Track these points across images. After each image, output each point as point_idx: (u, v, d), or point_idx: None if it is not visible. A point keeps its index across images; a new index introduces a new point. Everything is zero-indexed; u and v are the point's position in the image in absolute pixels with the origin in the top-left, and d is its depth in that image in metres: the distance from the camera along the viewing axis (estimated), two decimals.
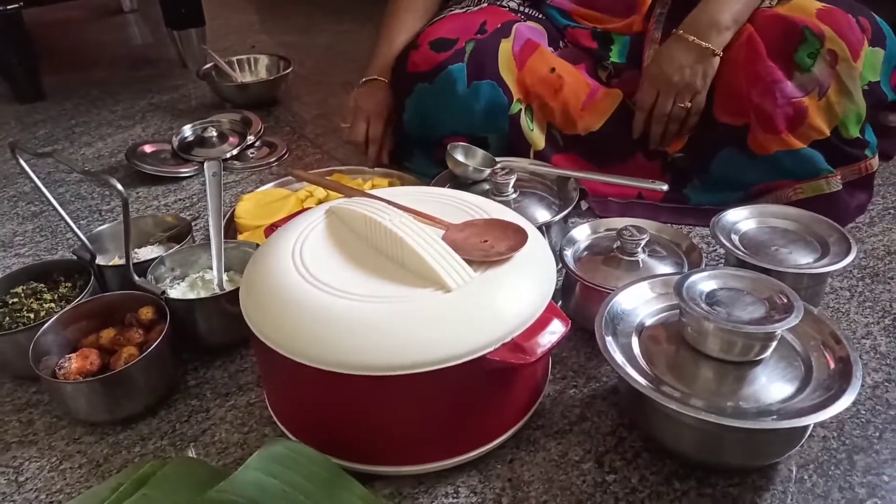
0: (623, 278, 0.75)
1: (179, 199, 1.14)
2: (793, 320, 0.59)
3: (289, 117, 1.44)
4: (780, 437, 0.59)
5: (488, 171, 0.91)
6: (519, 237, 0.63)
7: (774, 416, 0.56)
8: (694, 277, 0.64)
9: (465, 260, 0.60)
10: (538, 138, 1.02)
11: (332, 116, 1.42)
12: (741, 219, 0.83)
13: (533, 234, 0.66)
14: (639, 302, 0.69)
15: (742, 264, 0.76)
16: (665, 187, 0.88)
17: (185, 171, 1.20)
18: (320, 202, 1.03)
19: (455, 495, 0.62)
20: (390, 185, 1.08)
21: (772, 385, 0.60)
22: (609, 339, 0.63)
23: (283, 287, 0.61)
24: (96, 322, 0.76)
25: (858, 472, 0.62)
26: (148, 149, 1.25)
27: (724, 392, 0.60)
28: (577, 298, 0.78)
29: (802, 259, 0.77)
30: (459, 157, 0.92)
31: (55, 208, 0.81)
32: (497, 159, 0.94)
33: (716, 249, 0.93)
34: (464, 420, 0.62)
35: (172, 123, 1.43)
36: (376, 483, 0.63)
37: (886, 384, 0.71)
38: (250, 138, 1.28)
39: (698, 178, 1.01)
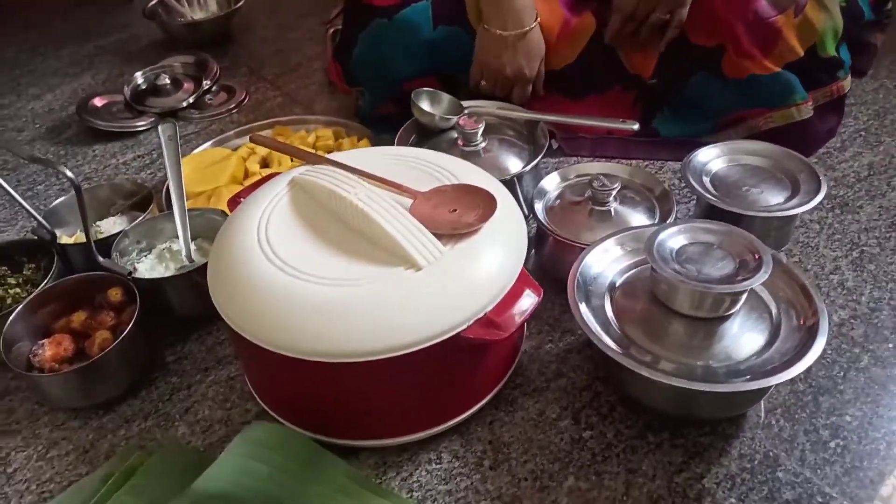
0: (595, 228, 0.75)
1: (138, 157, 1.10)
2: (761, 277, 0.59)
3: (245, 56, 1.38)
4: (749, 392, 0.61)
5: (455, 118, 0.88)
6: (488, 205, 0.62)
7: (745, 375, 0.58)
8: (664, 235, 0.64)
9: (434, 234, 0.60)
10: None
11: (290, 53, 1.35)
12: (712, 158, 0.82)
13: (502, 198, 0.65)
14: (609, 260, 0.69)
15: (712, 208, 0.76)
16: (636, 126, 0.87)
17: (141, 124, 1.15)
18: (263, 160, 1.01)
19: (438, 461, 0.64)
20: (335, 135, 1.05)
21: (742, 339, 0.62)
22: (582, 305, 0.63)
23: (249, 272, 0.59)
24: (65, 304, 0.75)
25: (823, 414, 0.65)
26: (99, 101, 1.19)
27: (695, 348, 0.61)
28: (550, 251, 0.78)
29: (773, 198, 0.77)
30: (425, 105, 0.89)
31: (7, 191, 0.78)
32: (464, 104, 0.91)
33: (688, 190, 0.92)
34: (443, 392, 0.63)
35: (123, 68, 1.36)
36: (360, 454, 0.65)
37: (852, 321, 0.73)
38: (206, 83, 1.22)
39: (670, 106, 0.99)
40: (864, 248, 0.81)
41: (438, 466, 0.64)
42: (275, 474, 0.58)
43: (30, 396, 0.74)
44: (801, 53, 0.90)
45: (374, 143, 1.02)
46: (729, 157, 0.82)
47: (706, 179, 0.80)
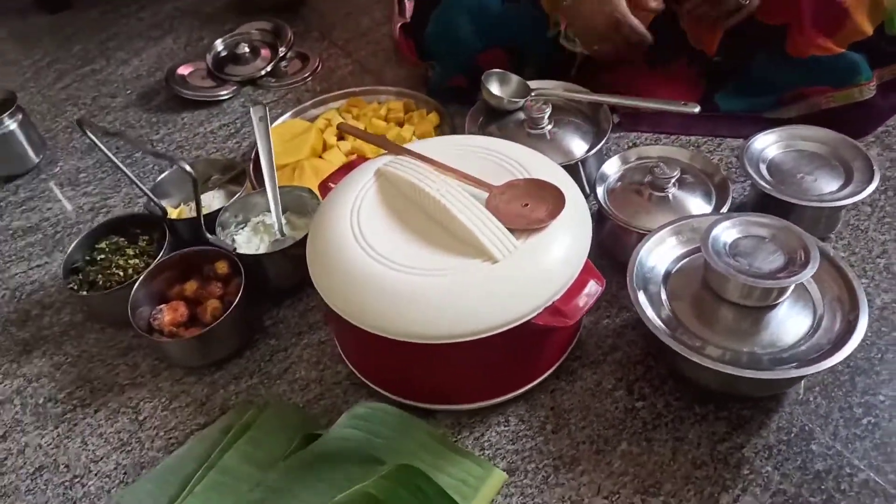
0: (654, 213, 0.81)
1: (223, 125, 1.19)
2: (807, 274, 0.65)
3: (316, 20, 1.43)
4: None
5: (523, 101, 0.93)
6: (557, 200, 0.69)
7: (787, 363, 0.64)
8: (718, 229, 0.70)
9: (508, 229, 0.67)
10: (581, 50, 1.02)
11: (360, 16, 1.40)
12: (769, 144, 0.86)
13: (570, 192, 0.71)
14: (666, 248, 0.75)
15: (766, 195, 0.81)
16: (697, 109, 0.90)
17: (224, 93, 1.23)
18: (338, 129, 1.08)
19: (506, 423, 0.73)
20: (405, 107, 1.11)
21: (787, 326, 0.68)
22: (640, 294, 0.70)
23: (345, 260, 0.68)
24: (178, 273, 0.86)
25: (858, 393, 0.71)
26: (184, 70, 1.27)
27: (742, 333, 0.68)
28: (610, 232, 0.84)
29: (827, 186, 0.81)
30: (494, 88, 0.94)
31: (126, 175, 0.87)
32: (531, 85, 0.96)
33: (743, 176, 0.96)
34: (512, 367, 0.71)
35: (202, 32, 1.44)
36: (438, 415, 0.74)
37: (894, 305, 0.78)
38: (282, 51, 1.29)
39: (732, 82, 1.02)
40: None
41: (506, 428, 0.73)
42: (371, 438, 0.68)
43: (150, 354, 0.86)
44: (870, 32, 0.91)
45: (443, 116, 1.08)
46: (786, 142, 0.86)
47: (762, 166, 0.84)
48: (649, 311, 0.69)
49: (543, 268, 0.66)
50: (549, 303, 0.65)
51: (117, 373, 0.85)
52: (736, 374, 0.63)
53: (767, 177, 0.83)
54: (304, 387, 0.80)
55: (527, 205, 0.69)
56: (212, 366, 0.83)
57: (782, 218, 0.81)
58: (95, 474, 0.75)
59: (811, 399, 0.71)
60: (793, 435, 0.69)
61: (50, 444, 0.79)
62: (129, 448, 0.77)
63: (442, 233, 0.69)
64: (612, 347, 0.78)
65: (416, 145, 0.80)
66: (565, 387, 0.76)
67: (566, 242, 0.67)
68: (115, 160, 0.86)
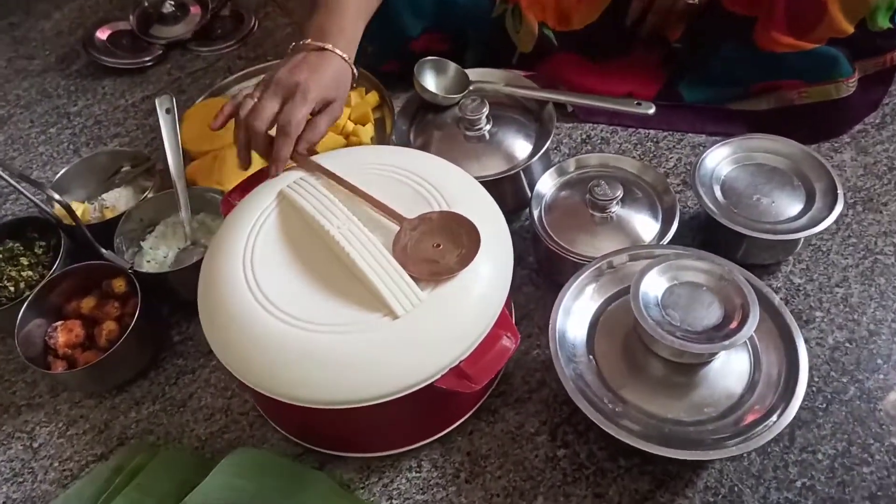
0: (595, 235, 0.74)
1: (147, 97, 1.08)
2: (743, 336, 0.58)
3: None
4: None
5: (459, 97, 0.84)
6: (472, 242, 0.61)
7: (711, 436, 0.59)
8: (649, 277, 0.62)
9: (413, 278, 0.59)
10: (525, 40, 0.92)
11: None
12: (723, 158, 0.77)
13: (491, 230, 0.63)
14: (589, 296, 0.68)
15: (715, 222, 0.73)
16: (652, 111, 0.81)
17: (148, 59, 1.12)
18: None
19: (418, 469, 0.68)
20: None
21: (721, 383, 0.62)
22: (562, 362, 0.63)
23: (234, 308, 0.60)
24: (76, 286, 0.79)
25: (796, 450, 0.66)
26: (105, 33, 1.15)
27: (673, 391, 0.62)
28: (545, 256, 0.77)
29: (785, 209, 0.73)
30: (428, 80, 0.84)
31: (12, 185, 0.79)
32: (470, 77, 0.86)
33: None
34: (423, 418, 0.66)
35: None
36: (349, 459, 0.69)
37: (847, 345, 0.72)
38: (213, 8, 1.16)
39: (696, 72, 0.92)
40: (878, 257, 0.77)
41: (418, 475, 0.68)
42: (262, 490, 0.63)
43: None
44: (851, 31, 0.81)
45: (383, 97, 0.98)
46: (743, 154, 0.77)
47: (716, 187, 0.76)
48: (567, 369, 0.62)
49: (449, 326, 0.59)
50: (455, 363, 0.58)
51: (14, 391, 0.79)
52: (651, 451, 0.57)
53: (721, 199, 0.75)
54: (208, 416, 0.74)
55: (439, 245, 0.61)
56: (113, 389, 0.77)
57: (735, 244, 0.75)
58: None
59: (745, 455, 0.66)
60: (720, 497, 0.64)
61: None
62: (21, 480, 0.73)
63: (343, 275, 0.61)
64: (540, 383, 0.73)
65: (329, 159, 0.71)
66: (485, 428, 0.70)
67: (478, 294, 0.60)
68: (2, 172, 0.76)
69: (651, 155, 0.90)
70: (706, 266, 0.63)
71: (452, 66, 0.85)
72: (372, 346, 0.57)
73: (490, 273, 0.61)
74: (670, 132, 0.92)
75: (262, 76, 1.02)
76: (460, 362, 0.58)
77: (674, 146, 0.90)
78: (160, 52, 1.12)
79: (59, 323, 0.76)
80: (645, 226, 0.74)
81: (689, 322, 0.61)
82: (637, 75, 0.94)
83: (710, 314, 0.61)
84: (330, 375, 0.57)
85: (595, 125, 0.94)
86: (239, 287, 0.61)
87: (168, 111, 0.83)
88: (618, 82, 0.94)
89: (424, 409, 0.64)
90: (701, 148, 0.89)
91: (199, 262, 0.75)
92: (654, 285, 0.62)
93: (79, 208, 0.86)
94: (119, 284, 0.76)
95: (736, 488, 0.64)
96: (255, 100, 0.70)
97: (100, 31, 1.14)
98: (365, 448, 0.68)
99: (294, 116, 0.68)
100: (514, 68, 0.94)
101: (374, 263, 0.60)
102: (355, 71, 0.75)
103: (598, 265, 0.68)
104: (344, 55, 0.73)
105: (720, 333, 0.59)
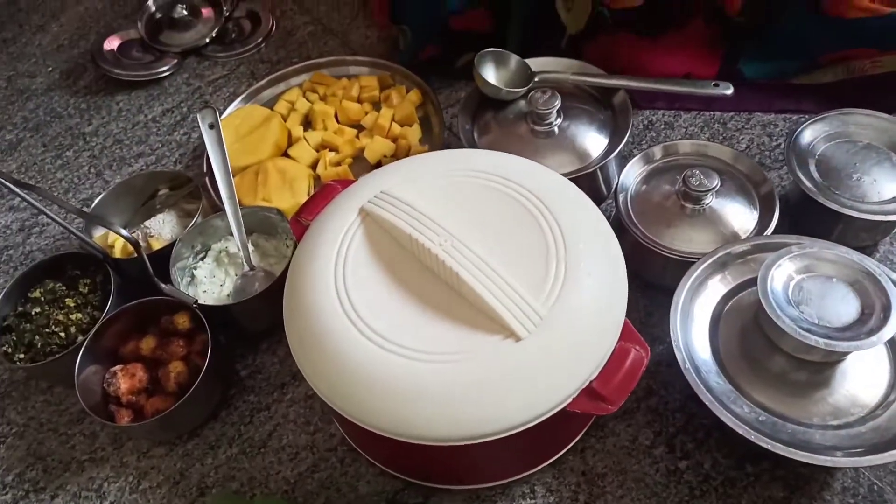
0: (686, 228, 0.69)
1: (167, 111, 1.01)
2: (887, 334, 0.54)
3: None
4: None
5: (524, 90, 0.78)
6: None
7: (841, 442, 0.55)
8: (776, 271, 0.58)
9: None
10: (577, 19, 0.86)
11: None
12: (819, 135, 0.73)
13: (597, 235, 0.59)
14: (708, 293, 0.64)
15: (812, 200, 0.69)
16: (730, 91, 0.76)
17: (163, 69, 1.04)
18: (304, 118, 0.93)
19: (532, 496, 0.64)
20: (380, 83, 0.95)
21: (851, 388, 0.58)
22: (689, 368, 0.59)
23: (331, 338, 0.55)
24: (131, 326, 0.72)
25: None
26: (112, 42, 1.07)
27: (797, 392, 0.58)
28: (634, 249, 0.72)
29: (886, 188, 0.69)
30: (489, 74, 0.78)
31: (52, 218, 0.72)
32: (533, 67, 0.80)
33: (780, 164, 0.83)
34: (542, 445, 0.61)
35: None
36: (455, 491, 0.65)
37: None
38: (226, 9, 1.09)
39: (758, 44, 0.87)
40: None
41: (532, 502, 0.64)
42: None
43: None
44: None
45: (426, 94, 0.92)
46: (838, 131, 0.73)
47: (811, 163, 0.71)
48: (695, 378, 0.58)
49: (576, 341, 0.54)
50: (586, 383, 0.54)
51: (73, 445, 0.73)
52: (787, 455, 0.53)
53: (816, 177, 0.71)
54: (292, 456, 0.69)
55: None
56: (184, 434, 0.71)
57: (830, 225, 0.71)
58: None
59: None
60: (860, 497, 0.61)
61: None
62: None
63: (449, 295, 0.56)
64: (646, 391, 0.68)
65: (398, 167, 0.65)
66: (596, 445, 0.66)
67: (598, 304, 0.55)
68: (33, 201, 0.69)
69: (721, 138, 0.85)
70: (838, 258, 0.59)
71: (514, 58, 0.80)
72: (496, 373, 0.52)
73: (605, 280, 0.57)
74: (736, 112, 0.87)
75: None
76: (591, 382, 0.54)
77: (742, 126, 0.86)
78: (175, 60, 1.05)
79: (119, 367, 0.70)
80: (740, 217, 0.69)
81: (826, 317, 0.57)
82: (693, 54, 0.89)
83: (846, 309, 0.57)
84: (450, 410, 0.52)
85: (655, 110, 0.89)
86: (337, 318, 0.56)
87: (212, 126, 0.77)
88: (674, 62, 0.89)
89: (543, 436, 0.59)
90: (772, 127, 0.85)
91: (265, 291, 0.70)
92: (782, 279, 0.58)
93: (118, 240, 0.80)
94: (182, 321, 0.70)
95: (875, 487, 0.61)
96: None
97: (107, 41, 1.06)
98: (473, 479, 0.63)
99: None
100: (563, 52, 0.89)
101: (487, 281, 0.54)
102: None
103: (713, 259, 0.64)
104: None
105: (862, 329, 0.55)
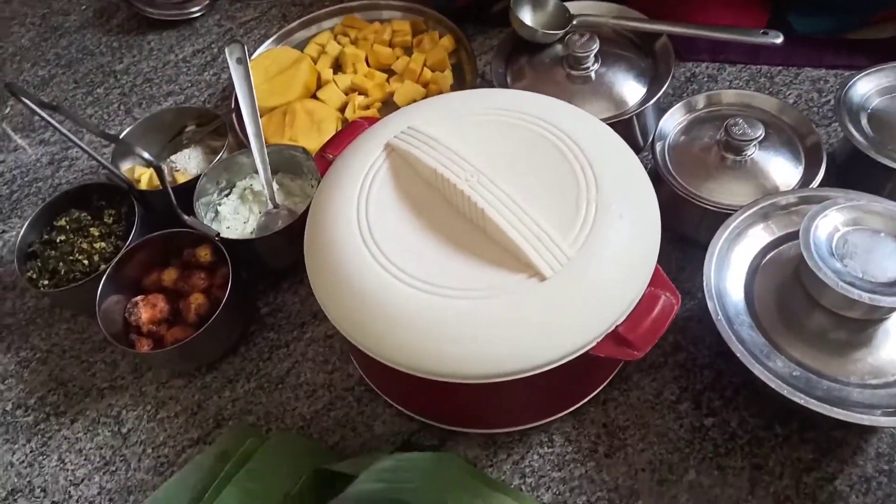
0: (725, 180, 0.66)
1: (198, 51, 1.00)
2: None
3: None
4: None
5: (561, 33, 0.75)
6: None
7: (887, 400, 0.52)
8: (821, 222, 0.55)
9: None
10: None
11: None
12: (871, 89, 0.69)
13: (631, 179, 0.56)
14: (748, 243, 0.61)
15: (863, 156, 0.65)
16: (780, 40, 0.73)
17: (195, 9, 1.03)
18: (335, 61, 0.91)
19: (550, 444, 0.63)
20: (413, 28, 0.92)
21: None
22: (721, 319, 0.56)
23: (354, 274, 0.53)
24: (153, 257, 0.72)
25: None
26: None
27: (836, 350, 0.55)
28: (669, 200, 0.69)
29: None
30: (526, 15, 0.75)
31: (80, 147, 0.71)
32: (571, 10, 0.77)
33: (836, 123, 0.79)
34: (561, 390, 0.59)
35: None
36: (470, 434, 0.63)
37: None
38: None
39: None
40: None
41: (550, 451, 0.62)
42: (397, 485, 0.57)
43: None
44: None
45: (459, 40, 0.90)
46: (893, 85, 0.69)
47: (863, 116, 0.68)
48: (727, 329, 0.56)
49: (604, 283, 0.52)
50: (612, 327, 0.52)
51: (94, 373, 0.73)
52: (820, 410, 0.51)
53: (868, 131, 0.67)
54: (310, 393, 0.68)
55: None
56: (203, 367, 0.71)
57: (881, 182, 0.67)
58: (77, 500, 0.66)
59: None
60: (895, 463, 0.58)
61: (23, 461, 0.69)
62: (114, 468, 0.67)
63: (474, 233, 0.55)
64: (674, 346, 0.66)
65: (426, 106, 0.63)
66: (619, 398, 0.64)
67: (629, 248, 0.53)
68: (62, 129, 0.69)
69: (767, 92, 0.81)
70: (882, 208, 0.55)
71: (552, 0, 0.77)
72: (519, 312, 0.51)
73: (638, 223, 0.54)
74: (784, 66, 0.83)
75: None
76: (618, 326, 0.52)
77: (790, 81, 0.82)
78: (207, 1, 1.03)
79: (140, 298, 0.70)
80: (783, 170, 0.66)
81: (871, 272, 0.54)
82: (741, 5, 0.85)
83: (894, 264, 0.54)
84: (474, 346, 0.51)
85: (698, 62, 0.85)
86: (359, 253, 0.54)
87: (239, 61, 0.76)
88: (721, 13, 0.85)
89: (564, 381, 0.58)
90: (822, 83, 0.81)
91: (287, 228, 0.69)
92: (826, 230, 0.55)
93: (144, 173, 0.79)
94: (204, 254, 0.70)
95: None
96: None
97: None
98: (491, 424, 0.62)
99: None
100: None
101: (514, 219, 0.53)
102: None
103: (754, 209, 0.61)
104: None
105: None
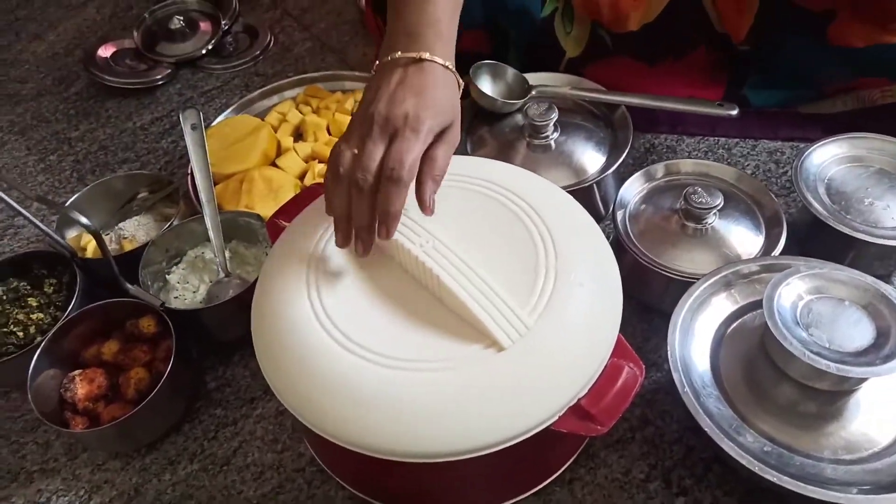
0: (687, 248, 0.66)
1: (156, 119, 0.99)
2: None
3: None
4: None
5: (520, 103, 0.76)
6: None
7: (861, 481, 0.50)
8: (784, 290, 0.54)
9: None
10: (574, 43, 0.84)
11: None
12: (828, 158, 0.70)
13: (591, 245, 0.55)
14: (711, 312, 0.60)
15: (822, 224, 0.65)
16: (735, 111, 0.74)
17: (157, 77, 1.02)
18: (296, 129, 0.90)
19: None
20: None
21: (863, 422, 0.53)
22: (688, 391, 0.54)
23: (303, 345, 0.50)
24: (94, 329, 0.68)
25: None
26: (106, 50, 1.06)
27: (805, 422, 0.53)
28: (632, 270, 0.68)
29: None
30: (485, 85, 0.76)
31: (21, 213, 0.68)
32: (530, 80, 0.78)
33: (795, 195, 0.79)
34: (526, 470, 0.56)
35: (131, 0, 1.21)
36: None
37: None
38: (225, 24, 1.08)
39: (762, 72, 0.85)
40: None
41: None
42: None
43: None
44: None
45: None
46: (852, 155, 0.70)
47: (820, 186, 0.68)
48: (694, 403, 0.53)
49: (565, 355, 0.49)
50: (574, 400, 0.49)
51: (23, 455, 0.68)
52: (796, 490, 0.48)
53: (826, 200, 0.67)
54: (257, 475, 0.64)
55: None
56: (143, 447, 0.66)
57: (842, 252, 0.67)
58: None
59: None
60: None
61: None
62: None
63: (430, 302, 0.52)
64: (642, 420, 0.63)
65: None
66: (586, 476, 0.61)
67: (590, 318, 0.51)
68: (4, 196, 0.66)
69: (725, 162, 0.82)
70: (845, 277, 0.55)
71: (510, 71, 0.78)
72: (476, 385, 0.48)
73: (598, 291, 0.52)
74: (741, 139, 0.84)
75: (298, 93, 0.94)
76: (580, 399, 0.49)
77: (748, 153, 0.83)
78: (169, 70, 1.03)
79: (78, 372, 0.65)
80: (744, 238, 0.66)
81: (837, 342, 0.52)
82: (696, 79, 0.87)
83: (860, 333, 0.53)
84: (428, 422, 0.47)
85: (657, 134, 0.86)
86: (307, 321, 0.51)
87: (194, 127, 0.74)
88: (676, 87, 0.86)
89: (527, 459, 0.54)
90: (779, 154, 0.82)
91: (237, 297, 0.66)
92: (790, 298, 0.54)
93: (90, 241, 0.76)
94: (148, 324, 0.66)
95: None
96: (352, 149, 0.52)
97: (101, 48, 1.05)
98: None
99: (406, 158, 0.50)
100: None
101: (470, 286, 0.50)
102: (460, 80, 0.57)
103: (717, 277, 0.60)
104: (447, 63, 0.55)
105: (879, 355, 0.51)
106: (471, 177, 0.60)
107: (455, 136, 0.56)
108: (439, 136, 0.54)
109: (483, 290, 0.50)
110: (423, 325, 0.51)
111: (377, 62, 0.56)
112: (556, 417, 0.48)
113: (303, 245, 0.57)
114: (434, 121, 0.53)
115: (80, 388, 0.64)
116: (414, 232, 0.54)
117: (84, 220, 0.61)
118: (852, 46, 0.77)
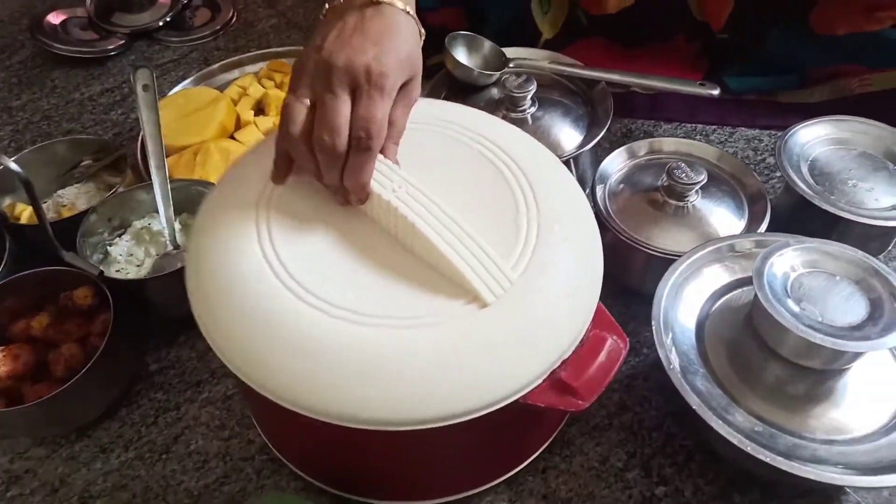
0: (668, 227, 0.62)
1: (107, 90, 0.93)
2: None
3: None
4: None
5: (497, 74, 0.72)
6: None
7: (854, 462, 0.47)
8: (776, 260, 0.51)
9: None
10: (550, 24, 0.81)
11: None
12: (812, 139, 0.68)
13: (573, 207, 0.51)
14: (701, 284, 0.57)
15: (806, 204, 0.63)
16: (717, 91, 0.71)
17: (109, 47, 0.96)
18: (257, 103, 0.85)
19: None
20: None
21: (865, 400, 0.50)
22: (675, 367, 0.50)
23: (254, 297, 0.44)
24: (24, 301, 0.62)
25: None
26: (56, 17, 0.99)
27: (795, 404, 0.50)
28: (611, 248, 0.65)
29: (884, 198, 0.64)
30: (461, 55, 0.72)
31: None
32: (507, 54, 0.74)
33: (779, 175, 0.77)
34: (494, 451, 0.51)
35: None
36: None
37: None
38: None
39: (742, 60, 0.83)
40: None
41: None
42: None
43: None
44: None
45: None
46: (836, 137, 0.68)
47: (804, 166, 0.66)
48: (681, 381, 0.50)
49: (546, 315, 0.45)
50: (553, 367, 0.44)
51: None
52: (789, 469, 0.45)
53: (810, 180, 0.65)
54: (200, 464, 0.58)
55: None
56: (72, 433, 0.60)
57: (825, 233, 0.64)
58: None
59: (887, 495, 0.54)
60: None
61: None
62: None
63: (399, 254, 0.47)
64: (620, 406, 0.59)
65: None
66: (560, 465, 0.56)
67: (571, 279, 0.46)
68: None
69: None
70: (838, 251, 0.52)
71: (487, 43, 0.74)
72: (457, 344, 0.42)
73: (583, 250, 0.49)
74: (719, 126, 0.82)
75: (267, 64, 0.89)
76: (561, 373, 0.45)
77: (726, 139, 0.81)
78: (123, 41, 0.97)
79: (2, 348, 0.59)
80: (726, 218, 0.63)
81: (830, 316, 0.49)
82: (675, 64, 0.85)
83: (853, 308, 0.50)
84: (401, 384, 0.41)
85: (633, 119, 0.83)
86: (260, 271, 0.45)
87: (146, 88, 0.69)
88: (654, 71, 0.84)
89: (498, 438, 0.50)
90: (756, 142, 0.80)
91: (184, 269, 0.60)
92: (781, 270, 0.51)
93: (26, 209, 0.69)
94: (83, 295, 0.60)
95: None
96: (305, 103, 0.47)
97: (51, 15, 0.98)
98: (415, 494, 0.53)
99: (373, 124, 0.45)
100: None
101: (449, 235, 0.45)
102: (422, 29, 0.52)
103: (704, 251, 0.57)
104: (406, 8, 0.50)
105: (874, 329, 0.48)
106: (442, 120, 0.55)
107: (416, 91, 0.51)
108: (399, 91, 0.49)
109: (463, 241, 0.45)
110: (394, 278, 0.45)
111: (328, 4, 0.51)
112: (540, 381, 0.44)
113: (250, 188, 0.50)
114: (397, 75, 0.48)
115: (4, 364, 0.57)
116: (385, 176, 0.48)
117: (13, 165, 0.54)
118: (833, 34, 0.76)
